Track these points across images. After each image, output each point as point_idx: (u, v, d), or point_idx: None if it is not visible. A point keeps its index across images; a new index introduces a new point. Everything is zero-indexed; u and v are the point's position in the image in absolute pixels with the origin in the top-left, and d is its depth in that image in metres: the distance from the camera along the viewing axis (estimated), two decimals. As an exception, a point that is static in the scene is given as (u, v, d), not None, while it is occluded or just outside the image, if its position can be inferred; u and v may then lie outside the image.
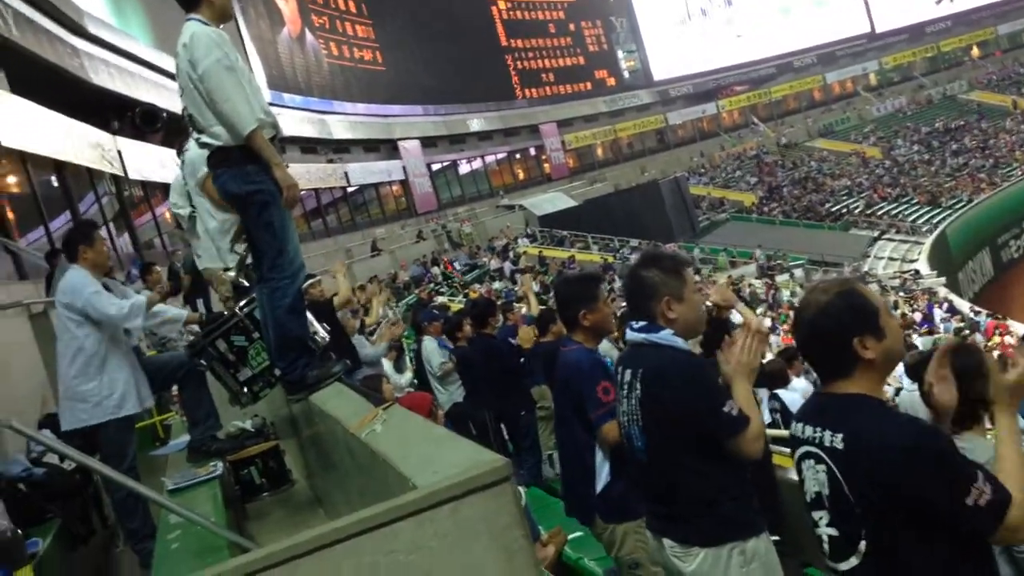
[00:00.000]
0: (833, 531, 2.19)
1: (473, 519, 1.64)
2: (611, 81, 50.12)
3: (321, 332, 4.72)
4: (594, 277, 4.13)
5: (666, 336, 2.93)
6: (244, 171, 3.69)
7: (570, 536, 4.76)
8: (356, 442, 2.59)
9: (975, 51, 53.10)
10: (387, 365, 8.11)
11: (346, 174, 34.12)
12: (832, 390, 2.24)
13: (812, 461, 2.23)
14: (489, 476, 1.68)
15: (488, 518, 1.65)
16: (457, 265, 29.24)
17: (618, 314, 6.37)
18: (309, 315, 4.28)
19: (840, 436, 2.14)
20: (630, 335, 3.07)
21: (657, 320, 2.96)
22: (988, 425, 2.86)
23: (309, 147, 32.14)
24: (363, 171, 35.48)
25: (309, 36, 34.92)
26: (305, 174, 28.57)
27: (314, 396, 3.70)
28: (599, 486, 3.64)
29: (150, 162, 17.13)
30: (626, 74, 50.94)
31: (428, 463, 1.91)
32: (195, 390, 4.59)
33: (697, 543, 2.86)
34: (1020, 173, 38.82)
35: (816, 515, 2.24)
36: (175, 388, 5.27)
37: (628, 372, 3.02)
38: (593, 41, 50.02)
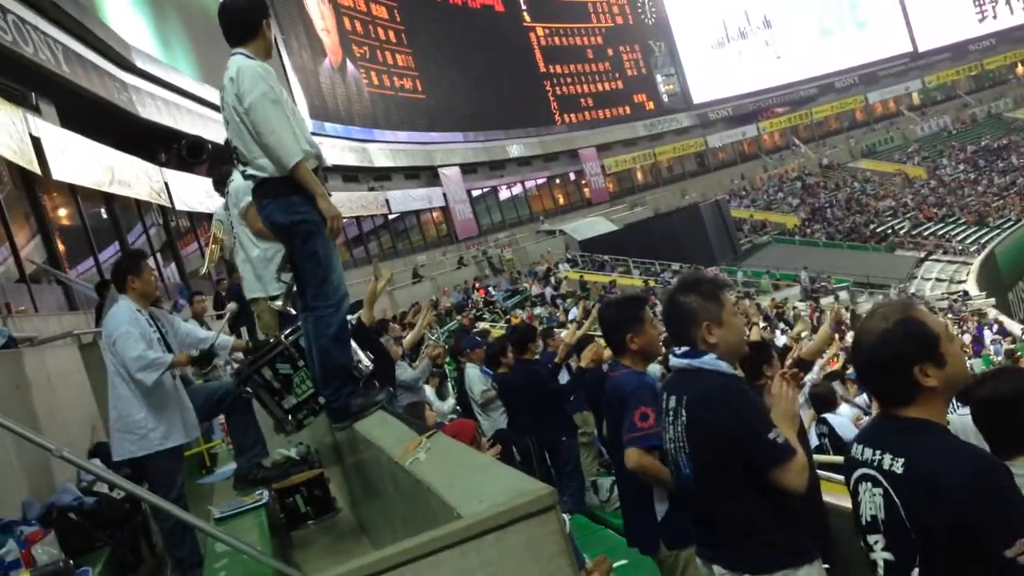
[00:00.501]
0: (888, 555, 2.16)
1: (518, 548, 1.63)
2: (650, 105, 50.13)
3: (365, 360, 4.74)
4: (639, 299, 4.10)
5: (710, 361, 2.91)
6: (289, 202, 3.74)
7: (615, 564, 4.71)
8: (400, 470, 2.59)
9: (1020, 68, 52.33)
10: (430, 392, 8.13)
11: (387, 201, 34.42)
12: (895, 413, 2.21)
13: (869, 484, 2.19)
14: (534, 504, 1.67)
15: (533, 547, 1.64)
16: (492, 290, 29.27)
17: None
18: (353, 343, 4.31)
19: (901, 461, 2.11)
20: (673, 361, 3.05)
21: (698, 345, 2.95)
22: None
23: (351, 175, 32.50)
24: (404, 198, 35.77)
25: (350, 66, 35.41)
26: (347, 202, 28.89)
27: (358, 424, 3.71)
28: (660, 513, 3.60)
29: (196, 193, 17.44)
30: (665, 98, 50.92)
31: (472, 492, 1.90)
32: (241, 418, 4.63)
33: (746, 570, 2.82)
34: (1070, 191, 38.14)
35: (871, 539, 2.20)
36: (222, 416, 5.31)
37: (673, 399, 3.00)
38: (631, 65, 50.11)
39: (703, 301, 2.96)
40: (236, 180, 5.04)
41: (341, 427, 3.91)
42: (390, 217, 35.50)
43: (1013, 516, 1.97)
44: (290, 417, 4.15)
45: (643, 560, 4.00)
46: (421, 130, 37.90)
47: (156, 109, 17.33)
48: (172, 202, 16.69)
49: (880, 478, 2.15)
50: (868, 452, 2.21)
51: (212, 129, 18.15)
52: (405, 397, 6.73)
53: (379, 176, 35.12)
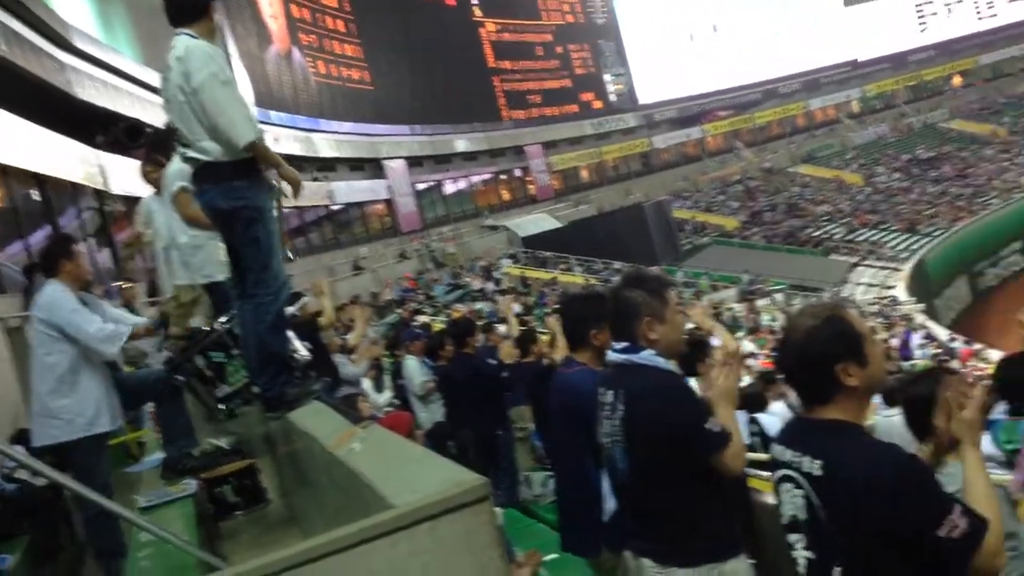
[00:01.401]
0: (809, 554, 2.20)
1: (450, 538, 1.62)
2: (597, 104, 50.39)
3: (301, 350, 4.68)
4: (603, 296, 4.09)
5: (648, 356, 2.94)
6: (232, 187, 3.68)
7: (546, 558, 4.71)
8: (334, 460, 2.56)
9: (957, 80, 53.75)
10: (367, 384, 8.07)
11: (331, 192, 34.09)
12: (814, 415, 2.25)
13: (790, 485, 2.23)
14: (468, 495, 1.66)
15: (466, 538, 1.62)
16: (433, 284, 29.17)
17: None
18: (289, 332, 4.25)
19: (819, 463, 2.15)
20: (612, 356, 3.08)
21: (639, 340, 2.97)
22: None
23: (295, 165, 31.67)
24: (348, 189, 35.46)
25: (296, 54, 34.96)
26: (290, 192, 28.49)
27: (292, 414, 3.66)
28: (606, 514, 3.57)
29: (134, 177, 17.01)
30: (612, 97, 51.23)
31: (407, 482, 1.89)
32: (171, 406, 4.54)
33: (676, 563, 2.85)
34: (998, 202, 39.25)
35: (792, 538, 2.25)
36: (152, 404, 5.21)
37: (611, 393, 3.02)
38: (580, 64, 50.31)
39: (648, 297, 2.99)
40: (172, 164, 4.94)
41: (275, 416, 3.85)
42: (333, 208, 35.17)
43: (936, 501, 2.03)
44: (222, 406, 4.08)
45: (572, 556, 4.00)
46: (367, 121, 37.60)
47: (95, 91, 16.91)
48: (108, 186, 16.30)
49: (800, 479, 2.19)
50: (788, 453, 2.25)
51: (152, 113, 17.77)
52: (345, 390, 6.68)
53: (323, 167, 34.75)
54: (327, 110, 35.72)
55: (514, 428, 7.55)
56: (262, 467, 4.59)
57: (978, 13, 53.02)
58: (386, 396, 8.46)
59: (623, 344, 3.02)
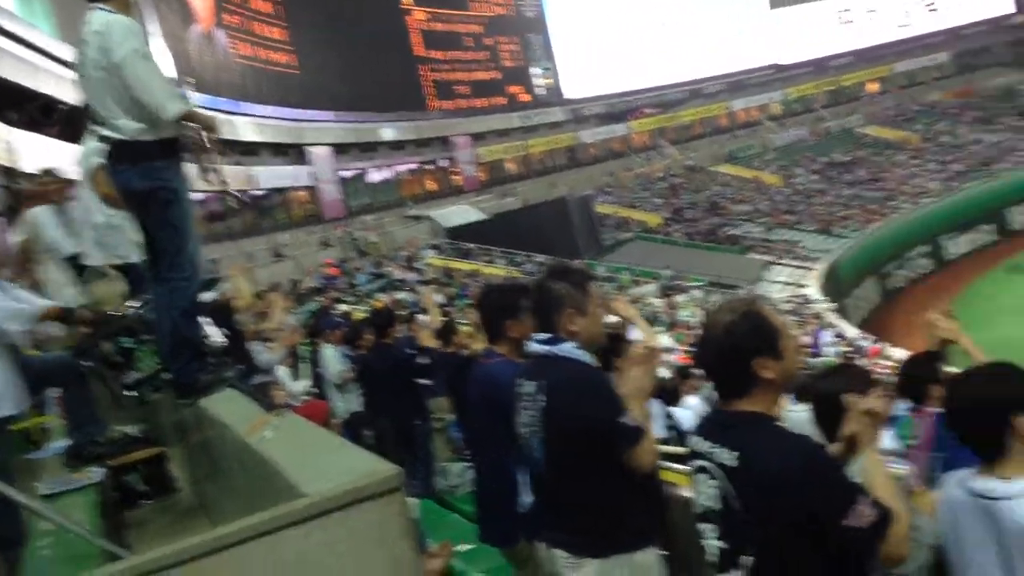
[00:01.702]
0: (722, 544, 2.24)
1: (363, 528, 1.60)
2: (525, 97, 50.47)
3: (214, 336, 4.58)
4: (523, 288, 4.09)
5: (568, 349, 2.97)
6: (150, 167, 3.58)
7: (461, 549, 4.71)
8: (246, 449, 2.51)
9: (873, 86, 55.37)
10: (283, 372, 7.95)
11: (252, 177, 33.45)
12: (731, 407, 2.29)
13: (706, 475, 2.27)
14: (380, 485, 1.64)
15: (377, 527, 1.61)
16: (347, 269, 28.89)
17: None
18: (204, 318, 4.16)
19: (735, 454, 2.20)
20: (532, 347, 3.09)
21: (560, 332, 2.99)
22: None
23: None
24: (270, 175, 34.82)
25: (220, 34, 34.18)
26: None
27: (205, 401, 3.59)
28: (523, 506, 3.59)
29: (47, 155, 16.47)
30: (540, 91, 51.37)
31: (320, 471, 1.86)
32: (78, 392, 4.39)
33: (588, 555, 2.88)
34: (908, 206, 40.61)
35: (705, 528, 2.29)
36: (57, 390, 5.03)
37: (530, 384, 3.03)
38: (509, 57, 50.31)
39: (571, 289, 3.02)
40: (88, 142, 4.79)
41: (187, 403, 3.77)
42: (255, 193, 34.52)
43: (845, 491, 2.09)
44: (131, 392, 3.97)
45: (486, 547, 4.01)
46: (292, 106, 36.97)
47: (10, 66, 16.30)
48: (17, 163, 15.72)
49: (715, 470, 2.24)
50: (705, 445, 2.30)
51: (69, 89, 17.20)
52: (259, 378, 6.56)
53: (245, 151, 34.06)
54: (251, 93, 35.02)
55: (432, 418, 7.52)
56: (172, 455, 4.48)
57: (896, 22, 54.67)
58: (303, 385, 8.35)
59: (544, 336, 3.03)
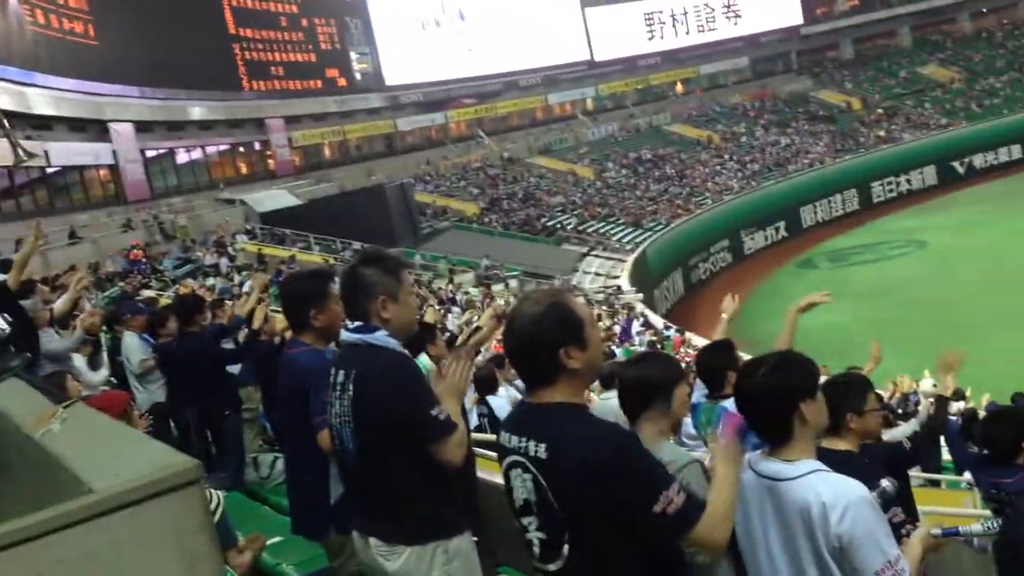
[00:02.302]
0: (541, 535, 2.27)
1: (154, 525, 1.52)
2: (342, 81, 49.55)
3: (0, 323, 4.26)
4: (325, 274, 3.99)
5: (380, 337, 2.93)
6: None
7: (270, 542, 4.60)
8: (28, 442, 2.33)
9: (679, 87, 58.09)
10: (80, 361, 7.48)
11: (46, 153, 31.16)
12: (537, 399, 2.33)
13: (519, 470, 2.30)
14: (176, 479, 1.56)
15: (172, 523, 1.53)
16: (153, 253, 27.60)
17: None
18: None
19: (544, 446, 2.22)
20: (344, 335, 3.05)
21: (371, 319, 2.95)
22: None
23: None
24: (66, 151, 32.56)
25: (12, 1, 31.60)
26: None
27: (-15, 392, 3.32)
28: (334, 495, 3.52)
29: None
30: (358, 76, 50.58)
31: (110, 465, 1.75)
32: None
33: (402, 542, 2.87)
34: (710, 202, 42.91)
35: (525, 521, 2.32)
36: None
37: (341, 373, 2.99)
38: (326, 39, 49.19)
39: (384, 276, 2.98)
40: None
41: (-36, 395, 3.46)
42: (49, 171, 32.22)
43: (654, 478, 2.16)
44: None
45: (298, 538, 3.93)
46: (91, 79, 34.66)
47: None
48: None
49: (528, 464, 2.26)
50: (515, 440, 2.32)
51: None
52: (51, 367, 6.14)
53: (38, 125, 31.70)
54: (44, 63, 32.57)
55: (243, 408, 7.29)
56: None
57: (699, 27, 57.53)
58: (102, 374, 7.88)
59: (357, 324, 2.99)
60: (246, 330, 7.10)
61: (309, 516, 3.75)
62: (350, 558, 3.53)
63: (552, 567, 2.29)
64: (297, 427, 3.65)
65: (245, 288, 19.51)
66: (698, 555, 3.13)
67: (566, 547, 2.23)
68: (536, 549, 2.32)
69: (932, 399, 6.11)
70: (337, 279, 3.46)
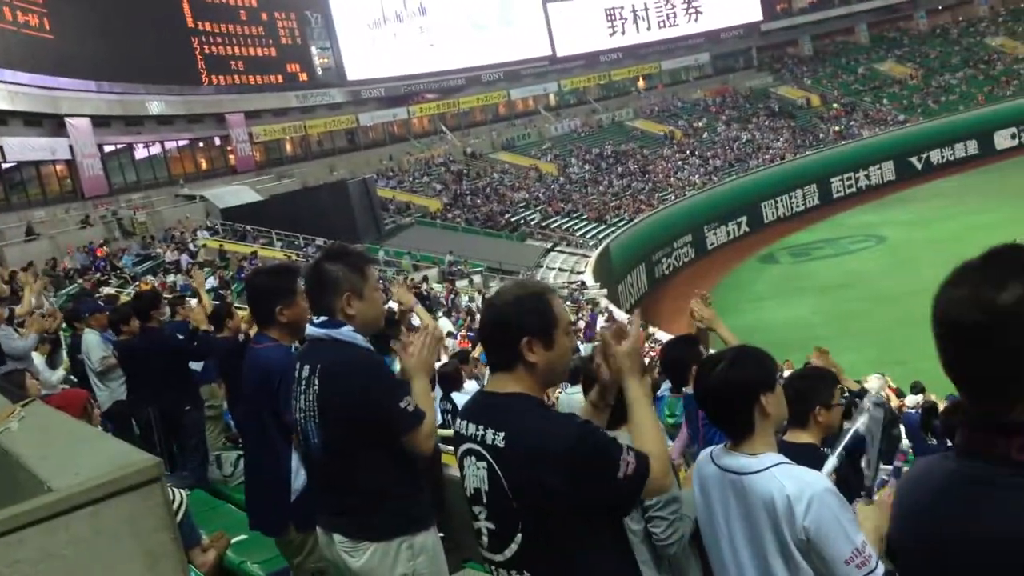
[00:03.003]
0: (491, 524, 2.28)
1: (115, 524, 1.50)
2: (303, 76, 49.16)
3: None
4: (291, 269, 3.97)
5: (346, 332, 2.94)
6: None
7: (234, 540, 4.56)
8: (-15, 442, 2.29)
9: (641, 83, 58.38)
10: (38, 360, 7.38)
11: (1, 148, 30.61)
12: (495, 388, 2.34)
13: (473, 458, 2.30)
14: (136, 477, 1.54)
15: (132, 522, 1.51)
16: (112, 249, 27.23)
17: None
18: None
19: (502, 435, 2.23)
20: (310, 330, 3.05)
21: (336, 315, 2.95)
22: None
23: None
24: (21, 147, 31.99)
25: (-39, -8, 30.97)
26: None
27: (-61, 392, 3.25)
28: (295, 491, 3.50)
29: None
30: (319, 71, 50.22)
31: (69, 464, 1.73)
32: None
33: (367, 538, 2.87)
34: (673, 198, 43.18)
35: (476, 509, 2.32)
36: None
37: (307, 368, 2.98)
38: (286, 34, 48.76)
39: (348, 272, 2.98)
40: None
41: (-83, 395, 3.39)
42: (4, 167, 31.64)
43: (612, 449, 2.18)
44: None
45: (263, 537, 3.91)
46: (46, 73, 34.03)
47: None
48: None
49: (483, 452, 2.27)
50: (472, 427, 2.32)
51: None
52: (8, 366, 6.04)
53: (-10, 119, 31.13)
54: (-2, 57, 31.98)
55: (207, 406, 7.22)
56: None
57: (660, 23, 57.85)
58: (60, 373, 7.79)
59: (322, 319, 2.99)
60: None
61: (269, 512, 3.73)
62: (309, 555, 3.52)
63: (499, 557, 2.29)
64: (260, 422, 3.63)
65: (208, 285, 19.32)
66: (668, 548, 3.16)
67: (518, 536, 2.22)
68: (484, 539, 2.32)
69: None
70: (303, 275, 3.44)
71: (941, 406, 9.96)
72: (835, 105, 54.38)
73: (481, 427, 2.28)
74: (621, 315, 26.98)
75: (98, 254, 26.03)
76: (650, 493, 2.35)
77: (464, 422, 2.36)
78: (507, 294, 2.36)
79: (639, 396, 2.37)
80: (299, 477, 3.47)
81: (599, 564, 2.24)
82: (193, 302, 8.74)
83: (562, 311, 2.36)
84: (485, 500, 2.28)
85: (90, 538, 1.47)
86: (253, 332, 5.17)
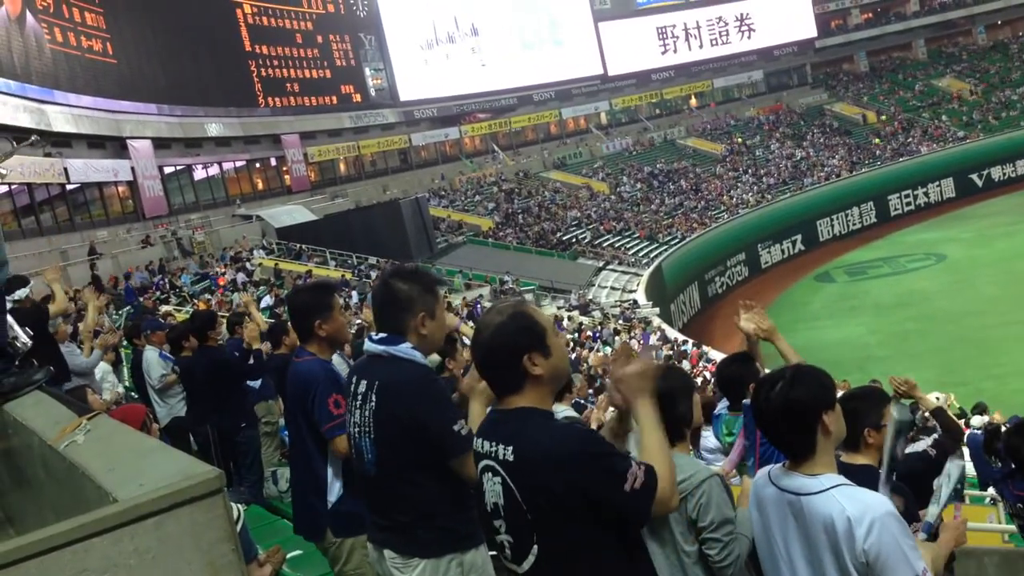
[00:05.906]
0: (509, 538, 2.32)
1: (179, 534, 1.53)
2: (357, 97, 49.82)
3: (22, 337, 4.28)
4: (328, 286, 4.08)
5: (406, 349, 2.95)
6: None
7: (289, 555, 4.61)
8: (53, 454, 2.35)
9: (693, 100, 58.12)
10: (100, 376, 7.53)
11: (66, 170, 31.43)
12: (505, 406, 2.37)
13: (490, 474, 2.34)
14: (199, 489, 1.57)
15: (195, 533, 1.54)
16: (171, 269, 27.75)
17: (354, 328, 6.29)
18: (10, 318, 3.88)
19: (511, 449, 2.27)
20: (368, 346, 3.06)
21: (407, 333, 2.97)
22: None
23: (23, 137, 29.25)
24: (86, 168, 32.81)
25: (30, 18, 31.89)
26: (18, 167, 25.95)
27: (9, 405, 3.34)
28: (331, 500, 3.59)
29: None
30: (372, 92, 50.84)
31: (134, 476, 1.76)
32: None
33: (417, 554, 2.88)
34: (726, 216, 42.81)
35: (495, 523, 2.35)
36: None
37: (363, 383, 3.00)
38: (341, 56, 49.50)
39: (422, 291, 3.01)
40: None
41: (-12, 408, 3.49)
42: (68, 187, 32.46)
43: (618, 461, 2.20)
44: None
45: (318, 551, 3.96)
46: (110, 97, 34.93)
47: None
48: None
49: (497, 467, 2.31)
50: (487, 445, 2.37)
51: None
52: (73, 381, 6.19)
53: (58, 142, 31.90)
54: (63, 81, 32.87)
55: (261, 423, 7.31)
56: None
57: (712, 41, 57.57)
58: (122, 389, 7.95)
59: (381, 335, 3.00)
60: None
61: (306, 517, 3.83)
62: (347, 563, 3.57)
63: (520, 569, 2.33)
64: (299, 432, 3.74)
65: (263, 304, 19.59)
66: (725, 571, 3.10)
67: (534, 547, 2.26)
68: (508, 551, 2.36)
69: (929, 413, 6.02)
70: (350, 295, 3.49)
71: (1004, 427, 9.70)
72: (892, 121, 53.53)
73: (494, 443, 2.34)
74: (672, 334, 26.78)
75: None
76: (657, 513, 2.34)
77: (480, 440, 2.42)
78: (489, 327, 2.39)
79: (647, 418, 2.40)
80: (335, 486, 3.56)
81: (616, 575, 2.25)
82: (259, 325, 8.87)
83: (542, 316, 2.42)
84: (503, 514, 2.32)
85: (154, 548, 1.50)
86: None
